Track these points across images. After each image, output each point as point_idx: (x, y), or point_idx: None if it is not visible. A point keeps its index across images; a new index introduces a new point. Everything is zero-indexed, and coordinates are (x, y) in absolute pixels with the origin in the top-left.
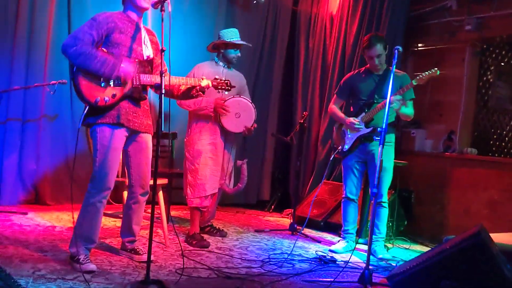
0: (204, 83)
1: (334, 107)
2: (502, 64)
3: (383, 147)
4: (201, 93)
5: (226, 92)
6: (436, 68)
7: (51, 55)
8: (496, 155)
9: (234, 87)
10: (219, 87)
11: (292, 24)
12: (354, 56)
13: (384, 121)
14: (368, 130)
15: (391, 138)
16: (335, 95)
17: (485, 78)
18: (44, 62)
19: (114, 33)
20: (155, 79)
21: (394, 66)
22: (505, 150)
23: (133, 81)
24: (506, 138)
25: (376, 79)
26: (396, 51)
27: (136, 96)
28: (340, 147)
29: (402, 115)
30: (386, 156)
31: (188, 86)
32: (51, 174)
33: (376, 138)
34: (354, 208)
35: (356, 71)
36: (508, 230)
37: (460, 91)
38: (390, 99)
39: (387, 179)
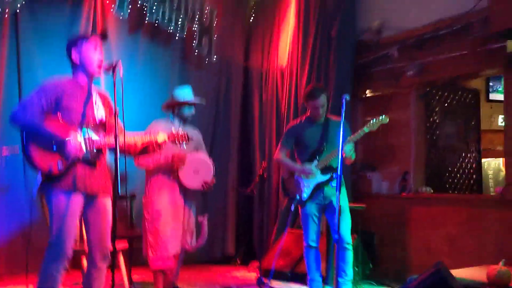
0: (160, 138)
1: (281, 156)
2: (446, 104)
3: (339, 193)
4: (157, 148)
5: (185, 145)
6: (384, 115)
7: (1, 123)
8: (450, 191)
9: (192, 139)
10: (176, 140)
11: (245, 79)
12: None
13: (339, 167)
14: (326, 177)
15: (342, 179)
16: (280, 144)
17: (431, 119)
18: None
19: (63, 98)
20: (109, 140)
21: (344, 115)
22: (458, 186)
23: (86, 145)
24: (458, 175)
25: (319, 127)
26: (343, 99)
27: (91, 159)
28: (298, 197)
29: (349, 161)
30: (342, 197)
31: (145, 143)
32: (7, 246)
33: (333, 184)
34: (317, 255)
35: (298, 120)
36: (469, 263)
37: (409, 133)
38: (342, 146)
39: (347, 220)
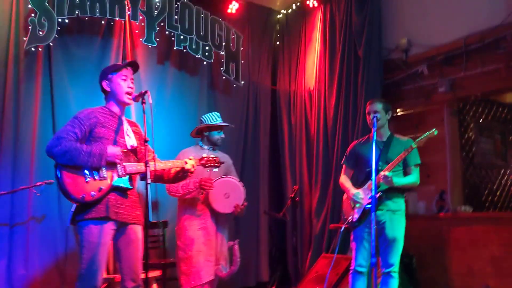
0: (189, 164)
1: (343, 178)
2: (481, 120)
3: (375, 213)
4: (189, 173)
5: (216, 169)
6: (434, 129)
7: (37, 157)
8: (491, 210)
9: (223, 163)
10: (207, 165)
11: (273, 103)
12: (336, 128)
13: (373, 188)
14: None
15: (401, 206)
16: (343, 165)
17: (466, 136)
18: (30, 165)
19: (96, 127)
20: (141, 167)
21: (375, 132)
22: (498, 204)
23: (118, 171)
24: (497, 192)
25: (380, 145)
26: (375, 118)
27: (122, 187)
28: (350, 218)
29: (404, 186)
30: (397, 225)
31: (177, 169)
32: (41, 277)
33: (367, 206)
34: (363, 282)
35: (361, 139)
36: None
37: (444, 151)
38: (376, 166)
39: (398, 249)
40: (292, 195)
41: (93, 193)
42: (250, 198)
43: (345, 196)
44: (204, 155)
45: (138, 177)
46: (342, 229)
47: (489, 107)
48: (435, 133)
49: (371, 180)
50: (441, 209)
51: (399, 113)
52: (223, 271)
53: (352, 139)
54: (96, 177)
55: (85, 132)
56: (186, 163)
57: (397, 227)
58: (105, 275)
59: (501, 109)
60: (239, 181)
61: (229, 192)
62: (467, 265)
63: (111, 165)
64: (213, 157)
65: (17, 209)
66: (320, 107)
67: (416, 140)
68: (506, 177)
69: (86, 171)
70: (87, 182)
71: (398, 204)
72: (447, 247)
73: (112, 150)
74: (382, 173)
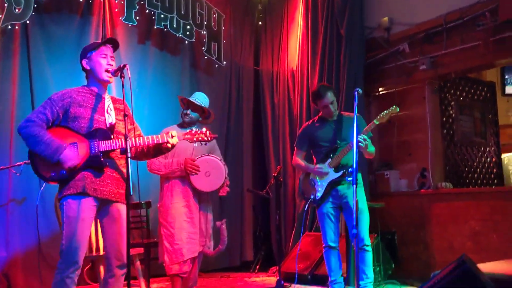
0: (173, 140)
1: (297, 159)
2: (461, 98)
3: (356, 186)
4: (171, 148)
5: (207, 144)
6: (394, 106)
7: (15, 137)
8: (471, 186)
9: (216, 136)
10: (194, 138)
11: (256, 83)
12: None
13: (354, 161)
14: (339, 174)
15: (360, 179)
16: (295, 148)
17: (447, 114)
18: (9, 145)
19: (71, 107)
20: (115, 144)
21: (356, 108)
22: (478, 181)
23: (91, 149)
24: (478, 169)
25: (332, 125)
26: (356, 93)
27: (96, 164)
28: (312, 197)
29: (367, 154)
30: (359, 197)
31: (158, 143)
32: (22, 259)
33: (349, 178)
34: (337, 256)
35: (310, 121)
36: (495, 259)
37: (425, 129)
38: (357, 140)
39: (365, 220)
40: (275, 174)
41: (62, 171)
42: (234, 178)
43: (302, 176)
44: (194, 129)
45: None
46: (306, 207)
47: (469, 86)
48: (397, 110)
49: (331, 157)
50: (422, 186)
51: (381, 93)
52: (210, 249)
53: None
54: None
55: (58, 113)
56: (172, 136)
57: (360, 198)
58: (87, 254)
59: (481, 88)
60: (221, 159)
61: (210, 170)
62: (448, 240)
63: (83, 143)
64: (204, 131)
65: None
66: (303, 86)
67: (378, 117)
68: (485, 155)
69: None
70: (53, 163)
71: (358, 176)
72: (428, 224)
73: (69, 155)
74: (361, 136)
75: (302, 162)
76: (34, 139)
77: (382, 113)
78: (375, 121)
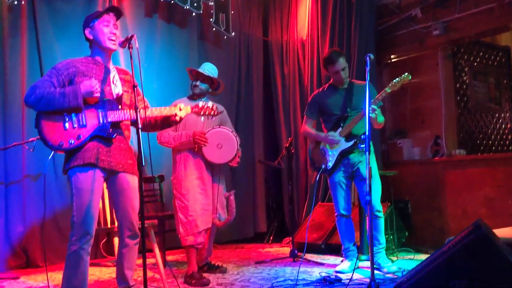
0: (182, 113)
1: (307, 128)
2: (475, 63)
3: (369, 154)
4: (179, 120)
5: (213, 118)
6: (407, 73)
7: (27, 113)
8: (485, 153)
9: (221, 112)
10: (201, 112)
11: (265, 53)
12: (329, 76)
13: (367, 128)
14: (350, 143)
15: (370, 146)
16: (305, 116)
17: (461, 80)
18: (21, 121)
19: (76, 77)
20: (124, 114)
21: (368, 74)
22: (493, 147)
23: (99, 119)
24: (492, 136)
25: (342, 93)
26: (367, 58)
27: (104, 134)
28: (323, 166)
29: (377, 124)
30: (371, 164)
31: (166, 114)
32: (40, 233)
33: (361, 146)
34: (350, 224)
35: (321, 89)
36: (509, 225)
37: (438, 96)
38: (369, 108)
39: (377, 188)
40: (287, 145)
41: (71, 140)
42: (245, 149)
43: (311, 145)
44: (201, 103)
45: (129, 126)
46: (317, 177)
47: (483, 51)
48: (409, 77)
49: (342, 126)
50: (436, 154)
51: (392, 60)
52: (220, 220)
53: None
54: (76, 125)
55: (63, 82)
56: (180, 109)
57: (371, 166)
58: (102, 226)
59: (496, 53)
60: (232, 131)
61: (221, 142)
62: (462, 207)
63: (92, 112)
64: (211, 105)
65: (11, 168)
66: (313, 56)
67: (390, 84)
68: (500, 121)
69: (66, 118)
70: (65, 130)
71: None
72: (442, 191)
73: (86, 83)
74: (372, 106)
75: (312, 131)
76: (48, 97)
77: (394, 80)
78: (386, 89)
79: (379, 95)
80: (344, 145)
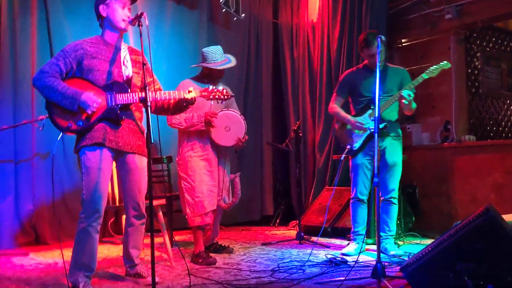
0: (190, 95)
1: (335, 107)
2: (488, 49)
3: (378, 136)
4: (189, 105)
5: (223, 102)
6: (446, 62)
7: (37, 92)
8: (495, 139)
9: (233, 95)
10: (211, 96)
11: (275, 36)
12: (340, 60)
13: (376, 110)
14: (381, 126)
15: (399, 132)
16: (334, 93)
17: (473, 65)
18: (31, 100)
19: (85, 59)
20: (132, 97)
21: (379, 56)
22: (503, 134)
23: (108, 102)
24: (503, 122)
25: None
26: (379, 39)
27: (112, 116)
28: (348, 146)
29: (408, 110)
30: (395, 151)
31: (176, 98)
32: (49, 212)
33: (392, 134)
34: (364, 209)
35: (355, 68)
36: None
37: (449, 81)
38: (380, 92)
39: (398, 174)
40: (295, 128)
41: (79, 122)
42: (253, 132)
43: (338, 124)
44: (210, 87)
45: (141, 108)
46: (343, 157)
47: (496, 36)
48: (448, 65)
49: (372, 108)
50: (445, 140)
51: (404, 44)
52: (224, 203)
53: None
54: (78, 111)
55: (71, 64)
56: (189, 92)
57: (396, 153)
58: (111, 204)
59: (509, 38)
60: (240, 114)
61: (229, 125)
62: (471, 193)
63: (100, 95)
64: (221, 89)
65: (21, 146)
66: (324, 39)
67: (427, 71)
68: (511, 108)
69: None
70: (74, 111)
71: (397, 130)
72: (451, 177)
73: (88, 96)
74: (406, 92)
75: (341, 111)
76: (50, 90)
77: (433, 67)
78: (423, 75)
79: (415, 80)
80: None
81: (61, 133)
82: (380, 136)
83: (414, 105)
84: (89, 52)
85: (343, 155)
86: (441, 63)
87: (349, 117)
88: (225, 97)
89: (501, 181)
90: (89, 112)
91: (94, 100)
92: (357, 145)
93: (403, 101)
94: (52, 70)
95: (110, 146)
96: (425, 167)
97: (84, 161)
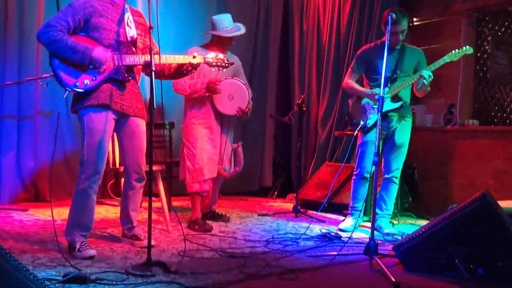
0: (196, 60)
1: (350, 82)
2: (499, 33)
3: (381, 115)
4: (193, 69)
5: (224, 70)
6: (468, 46)
7: (42, 49)
8: (499, 126)
9: (232, 63)
10: (214, 63)
11: (285, 7)
12: (349, 36)
13: (382, 89)
14: (397, 104)
15: (410, 113)
16: (350, 69)
17: (482, 49)
18: (36, 57)
19: (93, 17)
20: (139, 59)
21: (389, 33)
22: (508, 121)
23: (114, 62)
24: (508, 109)
25: (395, 54)
26: (389, 17)
27: (119, 77)
28: (362, 122)
29: (423, 91)
30: (406, 131)
31: (180, 63)
32: (49, 170)
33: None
34: (366, 187)
35: (373, 44)
36: None
37: (458, 64)
38: (386, 69)
39: (403, 154)
40: (299, 101)
41: (86, 81)
42: (257, 103)
43: (353, 99)
44: (212, 54)
45: (141, 71)
46: (356, 133)
47: (509, 21)
48: (471, 50)
49: (389, 87)
50: (448, 122)
51: (415, 23)
52: (226, 172)
53: None
54: (91, 66)
55: (79, 21)
56: (194, 57)
57: (406, 133)
58: (111, 166)
59: None
60: (245, 83)
61: (233, 93)
62: (470, 178)
63: (108, 53)
64: (222, 57)
65: (24, 103)
66: (334, 13)
67: (449, 54)
68: None
69: None
70: (85, 66)
71: (409, 111)
72: (451, 160)
73: (99, 54)
74: (427, 72)
75: (357, 85)
76: (58, 44)
77: (455, 51)
78: (445, 57)
79: (436, 62)
80: (389, 105)
81: (66, 91)
82: (392, 116)
83: (428, 87)
84: (97, 10)
85: (356, 131)
86: (464, 47)
87: (366, 90)
88: (226, 64)
89: (502, 167)
90: (101, 69)
91: (106, 56)
92: (370, 122)
93: (423, 80)
94: (59, 24)
95: (115, 109)
96: (427, 148)
97: (87, 122)
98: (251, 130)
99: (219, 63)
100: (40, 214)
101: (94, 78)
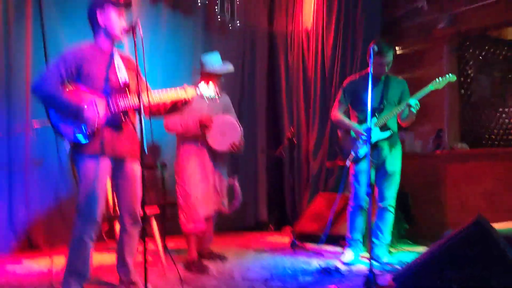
0: (189, 92)
1: (339, 115)
2: (481, 57)
3: (370, 147)
4: (185, 105)
5: (216, 96)
6: (451, 74)
7: (31, 98)
8: (486, 148)
9: (219, 94)
10: (205, 95)
11: (270, 43)
12: (334, 68)
13: (369, 119)
14: (387, 134)
15: (399, 141)
16: (337, 101)
17: (465, 73)
18: (25, 107)
19: (83, 65)
20: (134, 101)
21: (372, 66)
22: (495, 142)
23: (110, 109)
24: (495, 130)
25: (381, 84)
26: (371, 50)
27: (115, 123)
28: (353, 153)
29: (409, 120)
30: (396, 159)
31: (173, 100)
32: (43, 218)
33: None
34: (363, 216)
35: (357, 75)
36: (508, 219)
37: (442, 89)
38: (372, 100)
39: (396, 182)
40: (289, 135)
41: (83, 135)
42: (248, 139)
43: (341, 132)
44: (203, 84)
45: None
46: (348, 164)
47: (489, 45)
48: (454, 78)
49: (377, 117)
50: (437, 147)
51: (398, 53)
52: (225, 208)
53: None
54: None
55: (71, 71)
56: (186, 89)
57: (396, 161)
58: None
59: (501, 46)
60: (237, 120)
61: (225, 129)
62: (462, 200)
63: (102, 101)
64: (212, 86)
65: (14, 152)
66: (318, 47)
67: (433, 82)
68: (504, 116)
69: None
70: (77, 123)
71: (397, 139)
72: (442, 184)
73: (90, 114)
74: (414, 100)
75: (346, 120)
76: (52, 101)
77: (438, 79)
78: (430, 86)
79: (421, 91)
80: (379, 135)
81: (67, 144)
82: (383, 145)
83: (414, 116)
84: (87, 58)
85: (348, 162)
86: (447, 75)
87: (353, 125)
88: (215, 91)
89: (492, 188)
90: (89, 130)
91: (95, 119)
92: (362, 152)
93: (412, 109)
94: (54, 78)
95: (111, 155)
96: (417, 174)
97: (83, 170)
98: (243, 165)
99: (206, 92)
100: (34, 264)
101: (91, 131)
